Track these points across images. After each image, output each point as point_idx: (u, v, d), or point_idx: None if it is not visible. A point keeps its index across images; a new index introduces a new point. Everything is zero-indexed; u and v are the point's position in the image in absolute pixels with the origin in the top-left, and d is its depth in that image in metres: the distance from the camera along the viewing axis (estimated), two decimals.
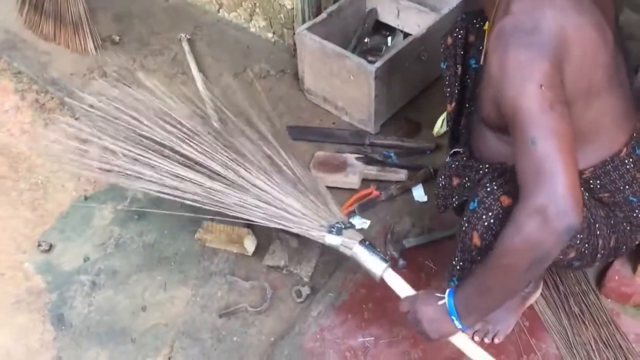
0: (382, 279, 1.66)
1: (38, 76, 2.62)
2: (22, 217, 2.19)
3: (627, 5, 2.06)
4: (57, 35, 2.72)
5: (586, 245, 1.51)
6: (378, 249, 1.68)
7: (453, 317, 1.47)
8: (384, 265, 1.64)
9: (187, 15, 2.91)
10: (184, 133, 1.95)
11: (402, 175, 2.19)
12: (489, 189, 1.46)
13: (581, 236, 1.48)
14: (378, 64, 2.20)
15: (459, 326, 1.48)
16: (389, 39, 2.62)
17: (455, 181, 1.70)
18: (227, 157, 1.89)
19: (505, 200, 1.43)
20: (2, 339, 1.87)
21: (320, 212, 1.77)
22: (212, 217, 2.06)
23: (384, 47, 2.59)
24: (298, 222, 1.76)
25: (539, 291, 1.85)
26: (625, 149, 1.53)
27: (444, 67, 1.85)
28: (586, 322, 1.81)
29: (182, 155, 1.92)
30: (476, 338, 1.78)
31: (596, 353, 1.74)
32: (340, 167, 2.20)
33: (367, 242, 1.69)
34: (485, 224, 1.45)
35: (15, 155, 2.40)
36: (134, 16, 2.91)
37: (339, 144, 2.34)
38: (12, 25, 2.83)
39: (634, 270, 1.82)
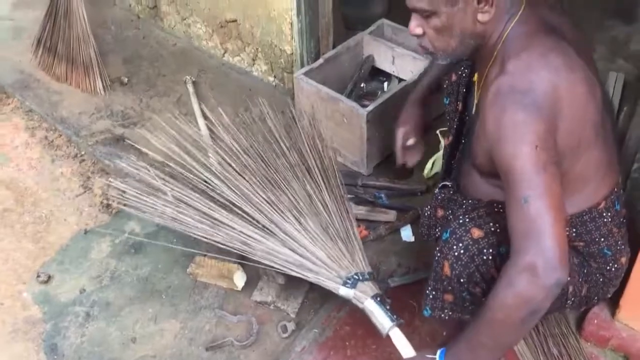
0: (387, 336, 1.66)
1: (48, 114, 2.74)
2: (24, 249, 2.28)
3: None
4: (69, 76, 2.86)
5: None
6: (389, 307, 1.69)
7: None
8: (391, 323, 1.65)
9: (194, 58, 3.04)
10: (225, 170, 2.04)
11: (391, 215, 2.25)
12: (461, 221, 1.53)
13: None
14: (370, 107, 2.29)
15: None
16: (385, 84, 2.71)
17: (440, 212, 1.79)
18: (262, 197, 1.95)
19: (476, 233, 1.50)
20: None
21: (343, 260, 1.78)
22: (204, 252, 2.15)
23: (380, 92, 2.68)
24: (316, 271, 1.78)
25: None
26: (604, 202, 1.58)
27: (447, 102, 1.91)
28: None
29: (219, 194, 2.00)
30: None
31: None
32: None
33: (378, 298, 1.69)
34: (456, 254, 1.51)
35: (22, 189, 2.51)
36: (143, 59, 3.05)
37: None
38: (27, 66, 2.98)
39: (613, 314, 1.85)
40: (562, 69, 1.39)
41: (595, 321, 1.86)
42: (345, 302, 2.00)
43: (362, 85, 2.65)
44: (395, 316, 1.67)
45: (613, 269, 1.65)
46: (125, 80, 2.90)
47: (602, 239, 1.60)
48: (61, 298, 2.12)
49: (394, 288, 2.04)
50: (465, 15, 1.44)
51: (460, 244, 1.51)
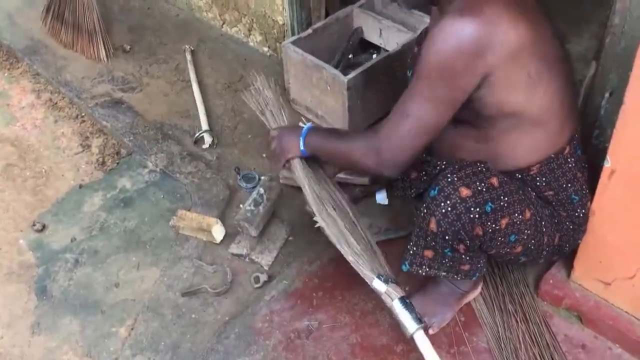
0: (412, 338, 1.71)
1: (53, 78, 2.89)
2: (23, 201, 2.43)
3: None
4: (75, 43, 3.00)
5: (532, 241, 1.66)
6: (415, 311, 1.73)
7: (302, 138, 1.83)
8: (416, 326, 1.69)
9: (194, 29, 3.16)
10: None
11: (366, 179, 2.33)
12: (449, 180, 1.59)
13: (528, 232, 1.63)
14: (351, 75, 2.37)
15: (301, 147, 1.83)
16: (374, 56, 2.79)
17: (413, 174, 1.90)
18: None
19: (464, 191, 1.57)
20: None
21: (374, 259, 1.82)
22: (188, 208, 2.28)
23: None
24: (358, 254, 1.80)
25: (478, 290, 1.97)
26: (568, 148, 1.67)
27: (409, 74, 2.00)
28: (518, 320, 1.91)
29: None
30: None
31: (523, 349, 1.85)
32: None
33: (407, 300, 1.73)
34: (443, 211, 1.59)
35: (26, 146, 2.66)
36: (146, 28, 3.18)
37: None
38: (37, 32, 3.13)
39: (568, 275, 1.92)
40: (502, 11, 1.47)
41: (551, 281, 1.94)
42: (316, 256, 2.12)
43: (350, 56, 2.74)
44: (420, 319, 1.71)
45: (582, 215, 1.73)
46: (128, 48, 3.03)
47: (569, 185, 1.69)
48: (53, 245, 2.27)
49: None
50: None
51: (448, 202, 1.58)
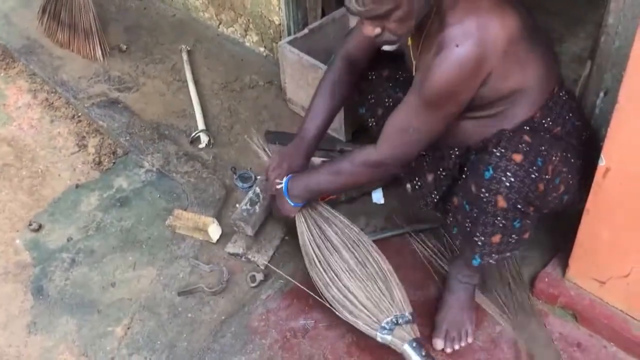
0: None
1: (50, 78, 2.88)
2: (19, 201, 2.43)
3: None
4: (71, 43, 3.00)
5: (569, 175, 1.68)
6: (425, 352, 1.72)
7: (286, 197, 1.95)
8: None
9: (191, 29, 3.16)
10: None
11: None
12: (498, 154, 1.59)
13: (565, 169, 1.66)
14: None
15: (291, 204, 1.97)
16: None
17: (430, 177, 1.88)
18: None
19: (517, 157, 1.58)
20: None
21: (382, 302, 1.79)
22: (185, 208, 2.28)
23: None
24: (356, 315, 1.80)
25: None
26: (557, 87, 1.73)
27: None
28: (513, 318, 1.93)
29: None
30: (456, 347, 1.87)
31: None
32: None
33: (415, 343, 1.72)
34: (507, 184, 1.58)
35: (22, 146, 2.66)
36: (142, 28, 3.18)
37: None
38: (33, 32, 3.12)
39: (563, 274, 1.93)
40: (493, 12, 1.53)
41: (546, 279, 1.95)
42: None
43: None
44: (424, 353, 1.71)
45: (585, 137, 1.77)
46: (124, 47, 3.03)
47: (571, 114, 1.75)
48: (50, 245, 2.27)
49: None
50: None
51: (509, 173, 1.58)
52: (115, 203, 2.39)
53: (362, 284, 1.82)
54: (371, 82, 2.07)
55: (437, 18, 1.57)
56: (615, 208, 1.67)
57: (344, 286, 1.84)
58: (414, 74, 1.76)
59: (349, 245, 1.93)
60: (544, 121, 1.72)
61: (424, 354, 1.72)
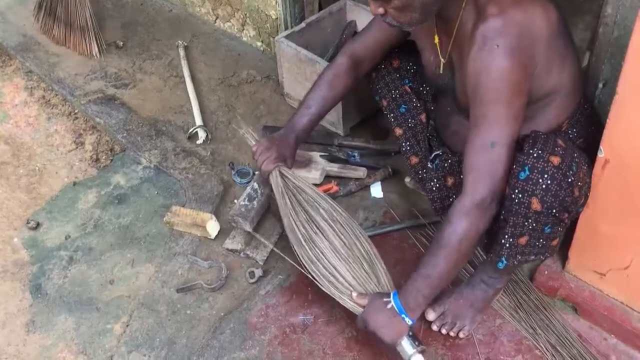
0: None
1: (46, 75, 2.87)
2: (17, 199, 2.42)
3: None
4: (67, 39, 2.99)
5: (586, 187, 1.67)
6: (411, 332, 1.68)
7: (403, 316, 1.65)
8: (412, 350, 1.65)
9: (187, 24, 3.15)
10: None
11: (361, 172, 2.33)
12: (535, 155, 1.55)
13: (588, 180, 1.65)
14: None
15: (409, 322, 1.66)
16: None
17: (450, 180, 1.87)
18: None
19: (555, 160, 1.54)
20: None
21: (369, 283, 1.78)
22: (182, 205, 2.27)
23: None
24: (342, 291, 1.78)
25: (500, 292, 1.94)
26: (582, 99, 1.75)
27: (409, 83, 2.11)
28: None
29: None
30: (443, 331, 1.87)
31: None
32: (305, 163, 2.36)
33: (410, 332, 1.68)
34: (544, 187, 1.54)
35: (19, 144, 2.65)
36: (139, 24, 3.17)
37: (309, 143, 2.49)
38: (29, 29, 3.11)
39: (563, 266, 1.92)
40: (535, 3, 1.54)
41: (546, 272, 1.94)
42: None
43: None
44: (417, 343, 1.67)
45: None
46: (121, 44, 3.02)
47: (593, 127, 1.74)
48: (48, 243, 2.26)
49: None
50: None
51: (546, 175, 1.54)
52: (113, 200, 2.38)
53: (349, 265, 1.82)
54: (380, 71, 2.06)
55: (472, 10, 1.57)
56: (614, 199, 1.66)
57: (330, 264, 1.82)
58: (439, 70, 1.77)
59: (336, 229, 1.90)
60: (569, 132, 1.74)
61: (410, 334, 1.68)
